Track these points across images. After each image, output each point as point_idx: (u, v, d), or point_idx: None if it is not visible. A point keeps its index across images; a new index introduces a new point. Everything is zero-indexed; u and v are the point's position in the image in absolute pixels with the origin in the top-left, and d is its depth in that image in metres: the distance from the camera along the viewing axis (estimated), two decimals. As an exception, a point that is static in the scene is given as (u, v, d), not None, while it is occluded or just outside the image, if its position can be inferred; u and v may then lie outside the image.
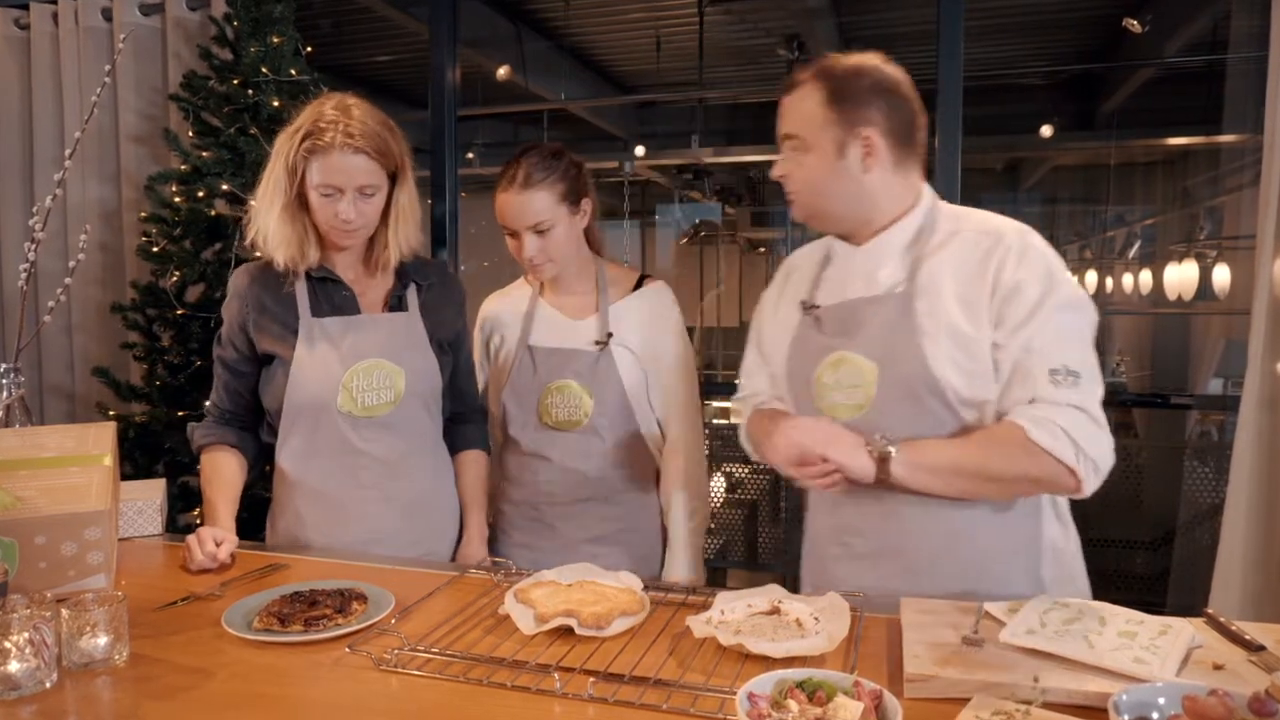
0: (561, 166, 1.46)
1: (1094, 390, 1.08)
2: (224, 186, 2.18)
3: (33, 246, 1.66)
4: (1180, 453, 3.17)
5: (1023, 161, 6.78)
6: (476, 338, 1.64)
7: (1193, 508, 2.92)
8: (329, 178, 1.33)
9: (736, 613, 1.05)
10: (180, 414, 2.18)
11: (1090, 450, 1.06)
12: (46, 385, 2.66)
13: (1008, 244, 1.11)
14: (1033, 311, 1.08)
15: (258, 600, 1.12)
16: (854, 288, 1.21)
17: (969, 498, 1.13)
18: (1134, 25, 4.01)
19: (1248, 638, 0.94)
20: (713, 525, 3.85)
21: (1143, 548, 3.24)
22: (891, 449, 1.10)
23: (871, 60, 1.17)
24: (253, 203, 1.41)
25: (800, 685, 0.80)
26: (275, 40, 2.21)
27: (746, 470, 4.05)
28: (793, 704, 0.78)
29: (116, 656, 0.98)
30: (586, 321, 1.53)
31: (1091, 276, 6.01)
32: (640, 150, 6.01)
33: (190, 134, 2.27)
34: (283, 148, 1.36)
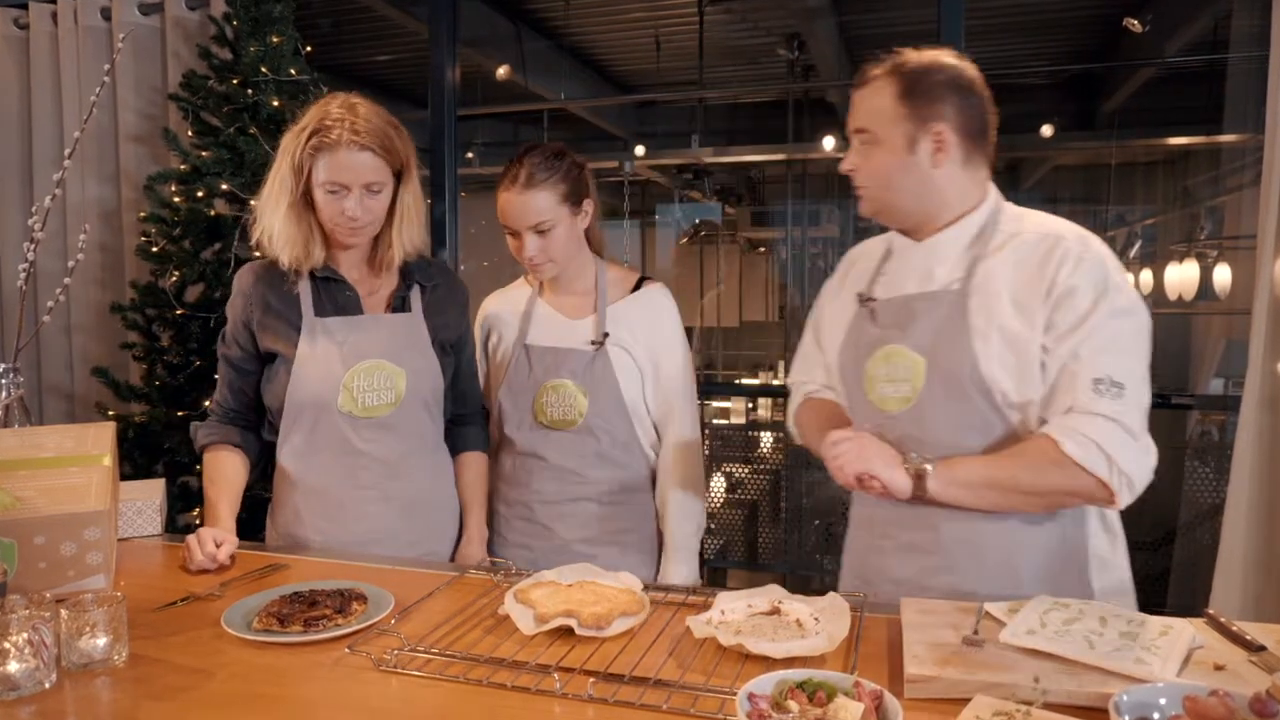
0: (564, 167, 1.46)
1: (1137, 402, 1.07)
2: (223, 186, 2.18)
3: (32, 246, 1.66)
4: (1181, 453, 3.17)
5: (1023, 161, 6.78)
6: (476, 336, 1.64)
7: (1193, 508, 2.92)
8: (336, 174, 1.33)
9: (737, 613, 1.05)
10: (180, 414, 2.18)
11: (1124, 464, 1.05)
12: (46, 385, 2.66)
13: (1065, 248, 1.11)
14: (1084, 318, 1.08)
15: (257, 600, 1.12)
16: (911, 283, 1.21)
17: (1006, 510, 1.13)
18: (1134, 25, 4.01)
19: (1248, 638, 0.93)
20: (713, 525, 3.85)
21: (1143, 548, 3.24)
22: (928, 466, 1.11)
23: (946, 56, 1.17)
24: (255, 203, 1.41)
25: (801, 686, 0.80)
26: (275, 40, 2.20)
27: (746, 470, 4.05)
28: (793, 705, 0.78)
29: (116, 657, 0.97)
30: (584, 321, 1.52)
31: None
32: (640, 150, 6.01)
33: (189, 134, 2.27)
34: (289, 146, 1.36)
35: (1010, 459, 1.10)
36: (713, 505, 3.89)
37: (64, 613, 0.95)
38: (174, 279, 2.20)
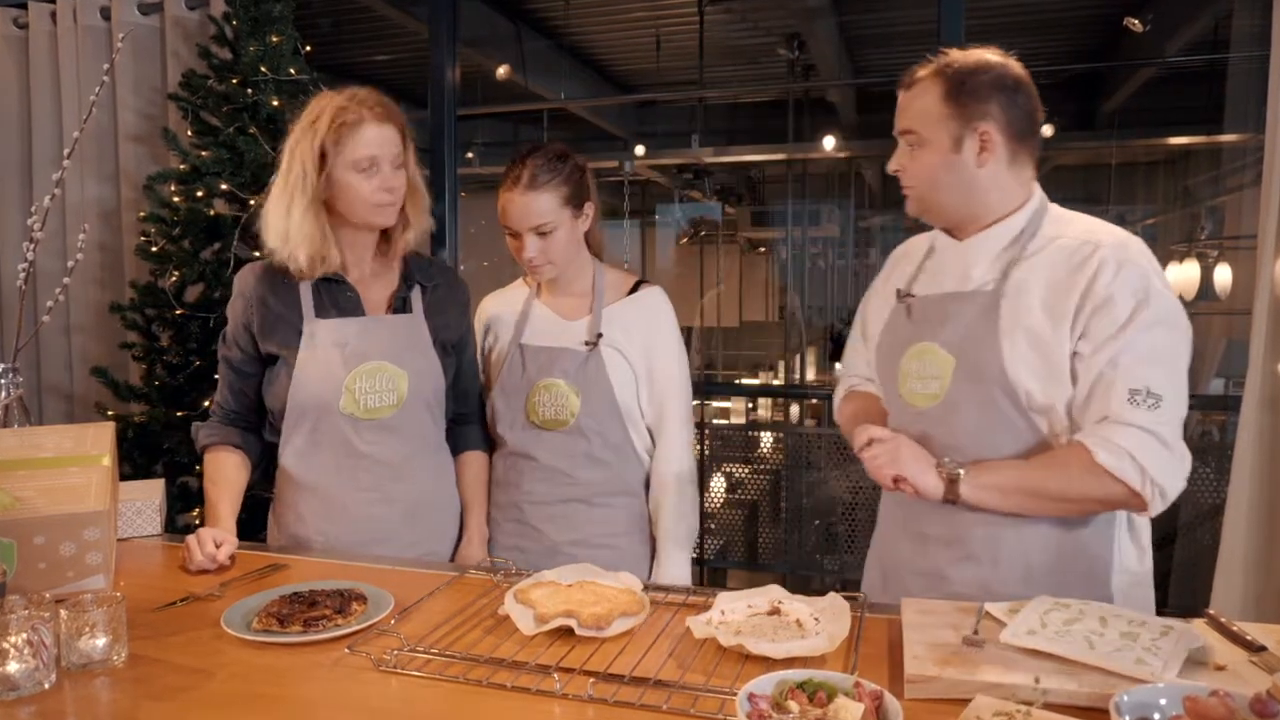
0: (567, 169, 1.46)
1: (1174, 414, 1.07)
2: (223, 186, 2.18)
3: (31, 246, 1.66)
4: (1181, 452, 3.16)
5: (1023, 161, 6.77)
6: (475, 339, 1.64)
7: (1194, 508, 2.92)
8: (367, 149, 1.34)
9: (737, 613, 1.05)
10: (179, 414, 2.18)
11: (1157, 475, 1.06)
12: (45, 385, 2.66)
13: (1103, 255, 1.10)
14: (1122, 327, 1.07)
15: (257, 601, 1.12)
16: (948, 282, 1.22)
17: (1038, 515, 1.14)
18: (1135, 25, 4.01)
19: (1249, 638, 0.93)
20: (712, 525, 3.85)
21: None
22: (961, 471, 1.11)
23: (992, 56, 1.18)
24: (263, 207, 1.38)
25: (801, 686, 0.80)
26: (274, 39, 2.20)
27: (747, 470, 4.05)
28: (793, 705, 0.78)
29: (115, 657, 0.97)
30: (579, 322, 1.52)
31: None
32: (640, 150, 6.01)
33: (189, 133, 2.27)
34: (301, 140, 1.34)
35: (1042, 466, 1.11)
36: (713, 505, 3.89)
37: (63, 613, 0.95)
38: (173, 279, 2.20)
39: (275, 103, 2.18)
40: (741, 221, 8.45)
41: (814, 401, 6.57)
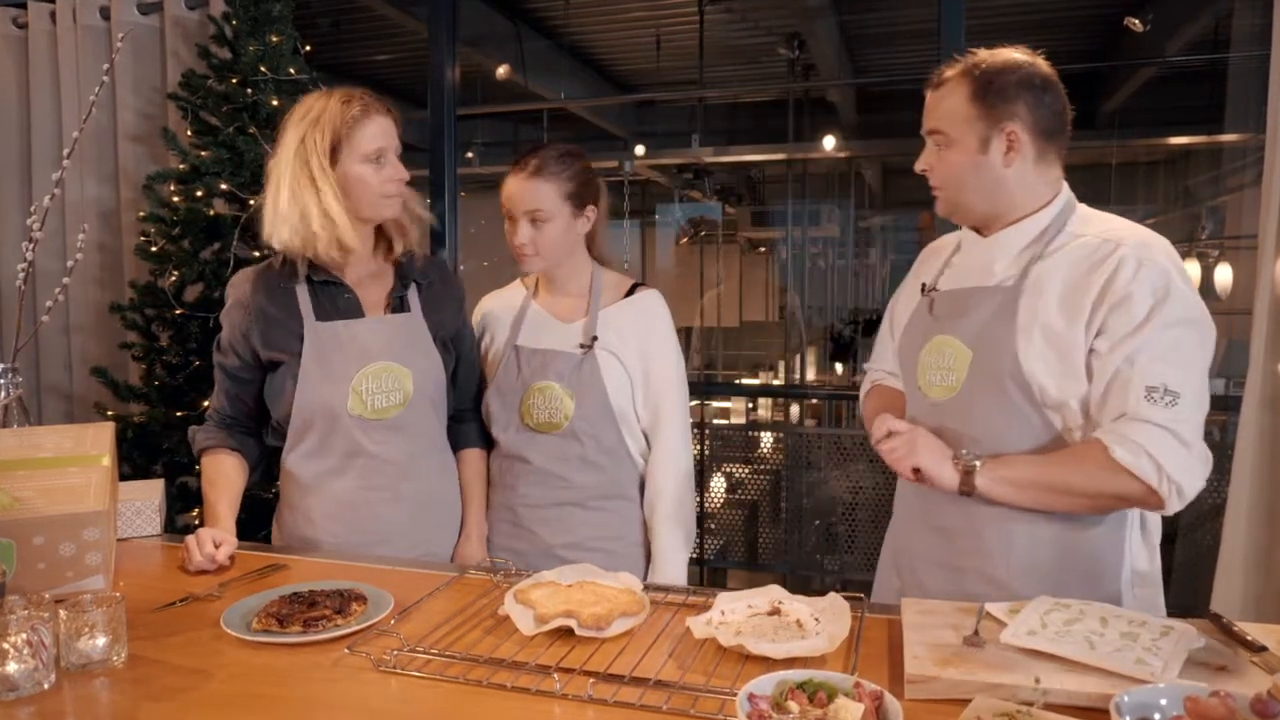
0: (574, 168, 1.47)
1: (1192, 412, 1.07)
2: (223, 186, 2.17)
3: (31, 246, 1.66)
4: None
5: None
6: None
7: (1194, 508, 2.92)
8: (378, 141, 1.36)
9: (737, 613, 1.04)
10: (179, 414, 2.18)
11: (1174, 472, 1.06)
12: (44, 385, 2.66)
13: (1124, 254, 1.11)
14: (1140, 325, 1.08)
15: (257, 601, 1.12)
16: (971, 277, 1.24)
17: (1053, 510, 1.14)
18: (1135, 24, 4.01)
19: (1250, 639, 0.93)
20: (712, 525, 3.84)
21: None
22: (977, 463, 1.12)
23: (1020, 56, 1.18)
24: (275, 207, 1.35)
25: (801, 686, 0.80)
26: (274, 39, 2.20)
27: (747, 470, 4.05)
28: (794, 705, 0.78)
29: (115, 658, 0.97)
30: (575, 324, 1.52)
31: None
32: (640, 150, 6.01)
33: (189, 133, 2.27)
34: (311, 135, 1.33)
35: (1059, 461, 1.11)
36: (713, 505, 3.88)
37: (63, 613, 0.95)
38: (173, 279, 2.20)
39: (275, 102, 2.18)
40: (741, 221, 8.45)
41: (814, 401, 6.57)
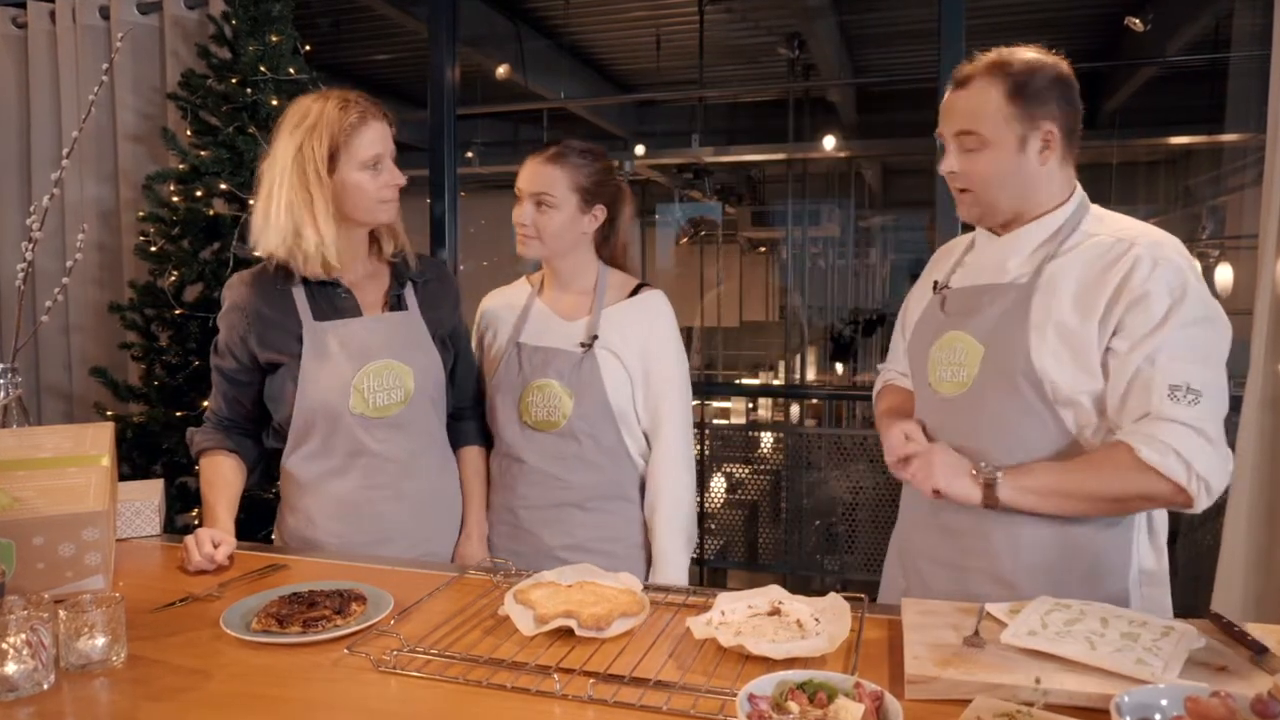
0: (593, 165, 1.49)
1: (1215, 410, 1.08)
2: (222, 186, 2.17)
3: (30, 246, 1.66)
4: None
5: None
6: (474, 333, 1.64)
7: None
8: (376, 147, 1.36)
9: (737, 614, 1.04)
10: (178, 414, 2.18)
11: (1202, 470, 1.06)
12: (44, 385, 2.66)
13: (1137, 252, 1.11)
14: (1159, 324, 1.08)
15: (256, 601, 1.11)
16: (984, 275, 1.24)
17: (1077, 516, 1.14)
18: (1136, 24, 4.01)
19: (1250, 639, 0.93)
20: (713, 525, 3.84)
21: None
22: (998, 476, 1.10)
23: (1044, 54, 1.18)
24: (267, 214, 1.35)
25: (801, 687, 0.80)
26: (274, 39, 2.20)
27: (747, 470, 4.04)
28: (794, 706, 0.78)
29: (114, 658, 0.97)
30: (577, 323, 1.52)
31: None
32: (640, 149, 6.01)
33: (188, 133, 2.26)
34: (308, 142, 1.33)
35: (1082, 466, 1.11)
36: (713, 505, 3.88)
37: (62, 613, 0.95)
38: (173, 279, 2.19)
39: (275, 102, 2.18)
40: (741, 221, 8.45)
41: (814, 401, 6.57)
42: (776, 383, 8.16)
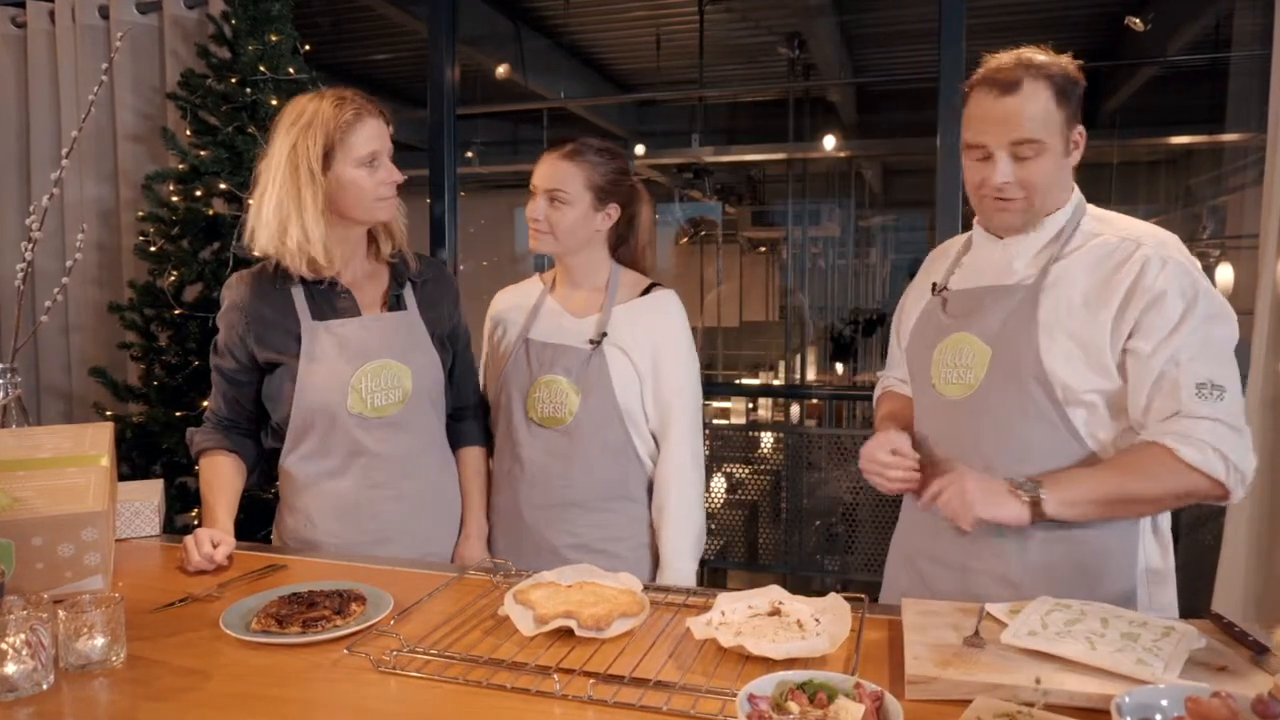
0: (609, 164, 1.49)
1: (1237, 403, 1.10)
2: (222, 185, 2.17)
3: (29, 246, 1.66)
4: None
5: (1024, 160, 6.76)
6: (485, 330, 1.63)
7: (1195, 509, 2.92)
8: (372, 144, 1.35)
9: (737, 614, 1.04)
10: (178, 414, 2.18)
11: (1238, 462, 1.07)
12: (43, 385, 2.66)
13: (1146, 252, 1.12)
14: (1177, 323, 1.09)
15: (256, 601, 1.11)
16: (986, 276, 1.23)
17: (1118, 518, 1.14)
18: (1136, 23, 4.01)
19: (1251, 639, 0.93)
20: (713, 526, 3.84)
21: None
22: (1042, 493, 1.09)
23: (1055, 54, 1.18)
24: (260, 211, 1.35)
25: (801, 687, 0.80)
26: (273, 38, 2.20)
27: (747, 471, 4.04)
28: (794, 706, 0.78)
29: (114, 658, 0.97)
30: (587, 320, 1.51)
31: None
32: (640, 149, 6.00)
33: (188, 133, 2.26)
34: (302, 140, 1.33)
35: (1122, 471, 1.10)
36: (713, 505, 3.88)
37: (62, 614, 0.95)
38: (172, 279, 2.19)
39: (274, 102, 2.18)
40: (742, 221, 8.45)
41: (814, 401, 6.57)
42: (776, 383, 8.16)
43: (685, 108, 6.55)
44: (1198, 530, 2.86)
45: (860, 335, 7.83)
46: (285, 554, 1.38)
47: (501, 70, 4.65)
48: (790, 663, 0.92)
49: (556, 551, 1.47)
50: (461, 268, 3.06)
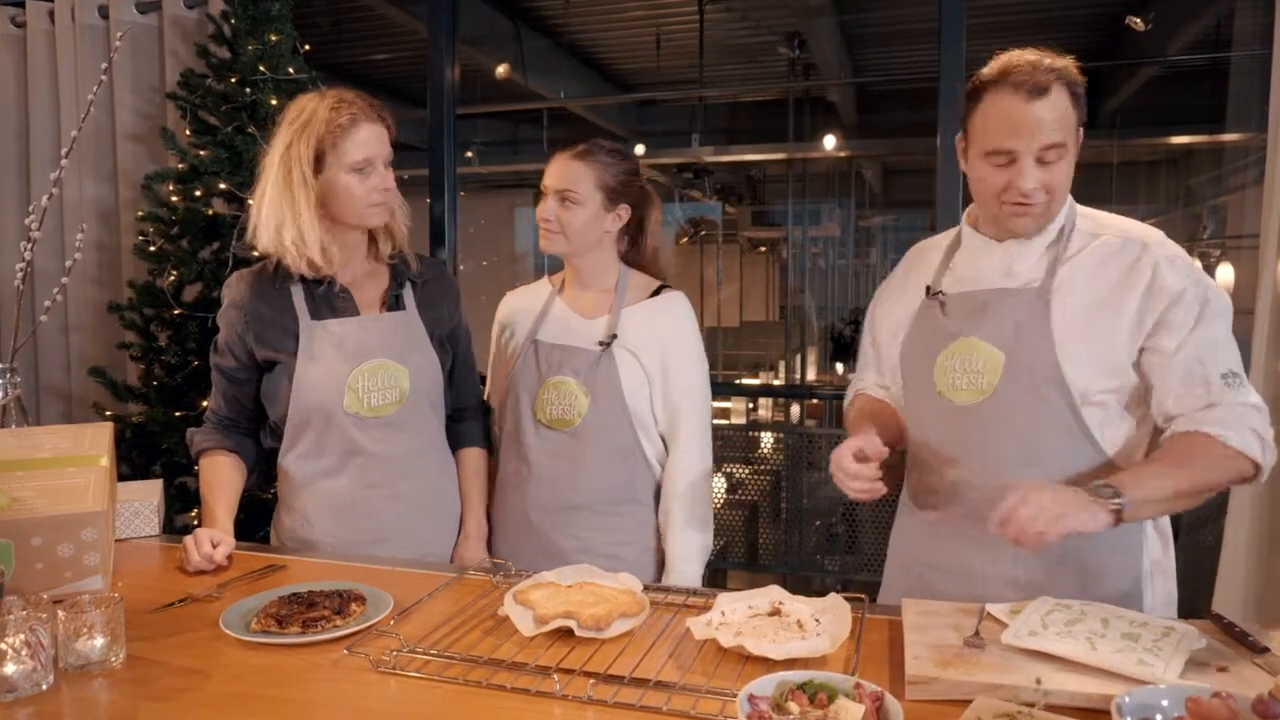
0: (620, 165, 1.49)
1: (1248, 384, 1.14)
2: (221, 185, 2.17)
3: (29, 246, 1.66)
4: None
5: (1024, 160, 6.77)
6: (493, 332, 1.63)
7: (1195, 509, 2.92)
8: (366, 150, 1.35)
9: (737, 614, 1.04)
10: (178, 414, 2.18)
11: (1269, 439, 1.11)
12: (43, 385, 2.66)
13: (1155, 253, 1.14)
14: (1198, 318, 1.12)
15: (255, 601, 1.11)
16: (988, 278, 1.22)
17: (1178, 512, 1.15)
18: (1137, 23, 4.01)
19: (1251, 639, 0.93)
20: (713, 526, 3.84)
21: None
22: (1122, 499, 1.03)
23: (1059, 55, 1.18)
24: (259, 209, 1.36)
25: (801, 687, 0.80)
26: (273, 38, 2.20)
27: (747, 471, 4.04)
28: (794, 706, 0.78)
29: (113, 658, 0.97)
30: (597, 321, 1.51)
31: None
32: (640, 149, 6.00)
33: (187, 133, 2.26)
34: (296, 142, 1.33)
35: (1183, 464, 1.10)
36: (713, 506, 3.88)
37: (61, 614, 0.95)
38: (172, 278, 2.19)
39: (274, 102, 2.17)
40: (742, 221, 8.45)
41: (815, 401, 6.56)
42: (777, 383, 8.16)
43: (685, 107, 6.55)
44: (1198, 530, 2.85)
45: (860, 335, 7.82)
46: (284, 554, 1.38)
47: (501, 70, 4.65)
48: (790, 663, 0.92)
49: (562, 556, 1.44)
50: (461, 268, 3.06)
